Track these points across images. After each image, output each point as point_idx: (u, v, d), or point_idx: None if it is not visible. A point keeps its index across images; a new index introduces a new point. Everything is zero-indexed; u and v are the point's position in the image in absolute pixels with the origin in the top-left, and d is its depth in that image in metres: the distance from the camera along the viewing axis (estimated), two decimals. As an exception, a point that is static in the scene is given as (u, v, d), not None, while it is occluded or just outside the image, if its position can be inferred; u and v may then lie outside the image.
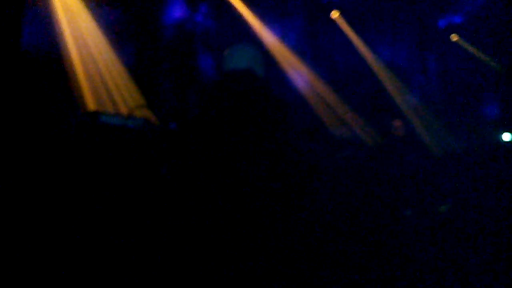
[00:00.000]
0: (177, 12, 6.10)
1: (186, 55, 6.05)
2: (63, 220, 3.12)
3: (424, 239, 3.95)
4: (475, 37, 7.85)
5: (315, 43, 7.46)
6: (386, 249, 3.69)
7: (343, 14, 7.43)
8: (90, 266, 2.83)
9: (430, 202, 4.78)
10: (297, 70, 7.08)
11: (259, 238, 1.85)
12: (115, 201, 3.32)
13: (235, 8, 6.54)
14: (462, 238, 4.01)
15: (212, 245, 1.86)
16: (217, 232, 1.86)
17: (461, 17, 7.90)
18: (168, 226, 2.86)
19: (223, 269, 1.83)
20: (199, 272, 1.87)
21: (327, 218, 4.04)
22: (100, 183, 3.41)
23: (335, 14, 7.41)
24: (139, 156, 3.72)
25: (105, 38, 5.39)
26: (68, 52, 5.21)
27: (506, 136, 7.19)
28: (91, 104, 5.33)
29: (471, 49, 8.01)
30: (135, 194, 3.41)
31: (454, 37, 8.14)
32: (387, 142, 4.99)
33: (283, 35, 7.04)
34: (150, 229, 3.07)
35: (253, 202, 1.86)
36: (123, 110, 5.14)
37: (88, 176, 3.42)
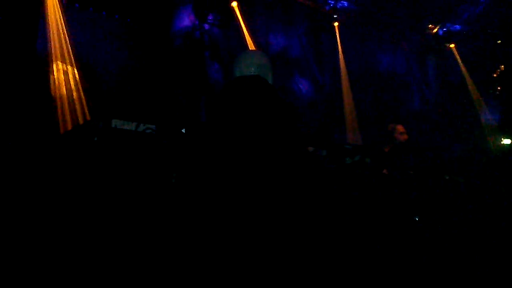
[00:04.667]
0: (186, 21, 6.23)
1: (195, 62, 6.16)
2: (72, 222, 3.10)
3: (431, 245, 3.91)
4: (473, 45, 7.96)
5: (318, 50, 7.56)
6: (393, 257, 3.64)
7: (344, 22, 7.54)
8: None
9: (436, 205, 4.77)
10: (301, 77, 7.18)
11: (267, 243, 1.82)
12: (123, 204, 3.31)
13: (240, 18, 6.66)
14: (466, 242, 4.00)
15: (217, 250, 1.83)
16: (224, 237, 1.84)
17: (460, 24, 8.01)
18: (174, 231, 2.92)
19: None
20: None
21: (333, 222, 4.04)
22: (109, 187, 3.39)
23: (336, 24, 7.54)
24: (150, 161, 3.77)
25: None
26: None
27: (506, 141, 7.32)
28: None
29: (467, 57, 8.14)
30: (144, 198, 3.41)
31: (452, 45, 8.28)
32: (393, 147, 4.98)
33: (288, 43, 7.15)
34: (156, 232, 3.07)
35: (262, 206, 1.85)
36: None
37: (97, 179, 3.41)
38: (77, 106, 5.43)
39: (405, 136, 4.82)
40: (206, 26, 6.44)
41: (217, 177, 1.92)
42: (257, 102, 1.97)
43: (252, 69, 2.08)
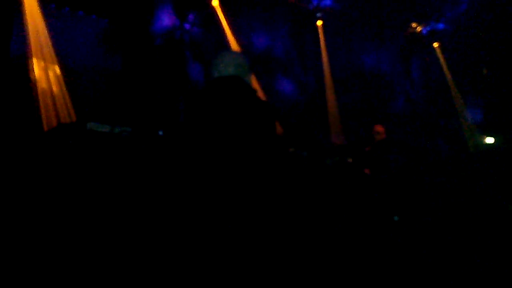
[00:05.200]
0: (166, 20, 6.14)
1: (175, 62, 6.08)
2: (51, 223, 3.06)
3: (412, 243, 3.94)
4: (457, 43, 8.00)
5: (302, 50, 7.52)
6: (376, 253, 3.64)
7: (328, 21, 7.53)
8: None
9: (416, 205, 4.78)
10: (285, 77, 7.14)
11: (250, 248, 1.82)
12: (95, 207, 3.27)
13: (221, 17, 6.59)
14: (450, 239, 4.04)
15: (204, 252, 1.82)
16: (202, 238, 1.84)
17: (444, 24, 8.03)
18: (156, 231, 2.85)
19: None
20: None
21: (316, 223, 4.01)
22: (82, 191, 3.35)
23: (319, 23, 7.51)
24: (126, 164, 3.69)
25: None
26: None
27: (489, 140, 7.40)
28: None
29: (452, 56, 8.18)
30: (118, 201, 3.36)
31: (436, 44, 8.30)
32: (372, 147, 5.00)
33: (271, 42, 7.10)
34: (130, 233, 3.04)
35: (243, 208, 1.85)
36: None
37: (69, 183, 3.38)
38: (57, 105, 5.35)
39: (382, 136, 4.88)
40: (187, 26, 6.35)
41: (195, 179, 1.90)
42: (235, 103, 1.96)
43: (230, 69, 2.07)
